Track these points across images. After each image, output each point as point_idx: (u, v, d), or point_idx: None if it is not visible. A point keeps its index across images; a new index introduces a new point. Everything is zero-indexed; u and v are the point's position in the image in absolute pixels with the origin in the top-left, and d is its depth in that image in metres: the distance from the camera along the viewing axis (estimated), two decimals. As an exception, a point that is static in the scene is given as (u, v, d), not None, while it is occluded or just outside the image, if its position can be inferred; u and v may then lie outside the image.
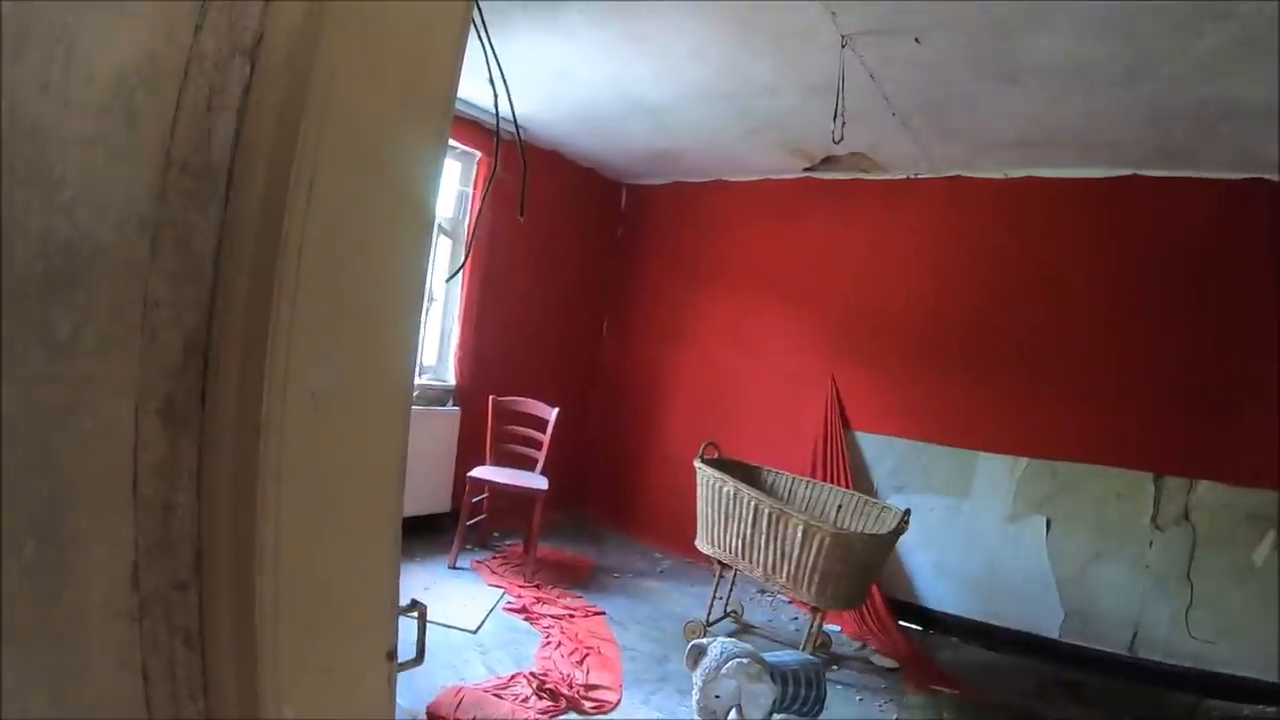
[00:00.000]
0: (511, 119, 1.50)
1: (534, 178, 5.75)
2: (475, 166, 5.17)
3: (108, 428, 0.84)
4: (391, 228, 0.95)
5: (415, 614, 1.21)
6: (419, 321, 1.03)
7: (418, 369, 5.10)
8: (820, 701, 3.05)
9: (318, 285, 0.87)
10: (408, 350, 1.00)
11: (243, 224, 0.86)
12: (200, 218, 0.85)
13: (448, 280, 5.09)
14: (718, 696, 2.82)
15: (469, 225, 5.19)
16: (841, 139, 3.26)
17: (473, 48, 1.27)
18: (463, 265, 5.04)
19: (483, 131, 4.77)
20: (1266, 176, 3.93)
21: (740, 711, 2.79)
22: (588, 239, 6.27)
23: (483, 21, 1.21)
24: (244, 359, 0.87)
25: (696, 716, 2.94)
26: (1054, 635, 4.34)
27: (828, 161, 4.80)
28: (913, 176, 4.90)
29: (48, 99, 0.72)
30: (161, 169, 0.82)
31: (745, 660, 2.83)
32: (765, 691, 2.78)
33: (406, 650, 1.19)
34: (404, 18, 0.96)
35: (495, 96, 1.30)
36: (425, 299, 1.04)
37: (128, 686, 0.95)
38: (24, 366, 0.75)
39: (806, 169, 5.11)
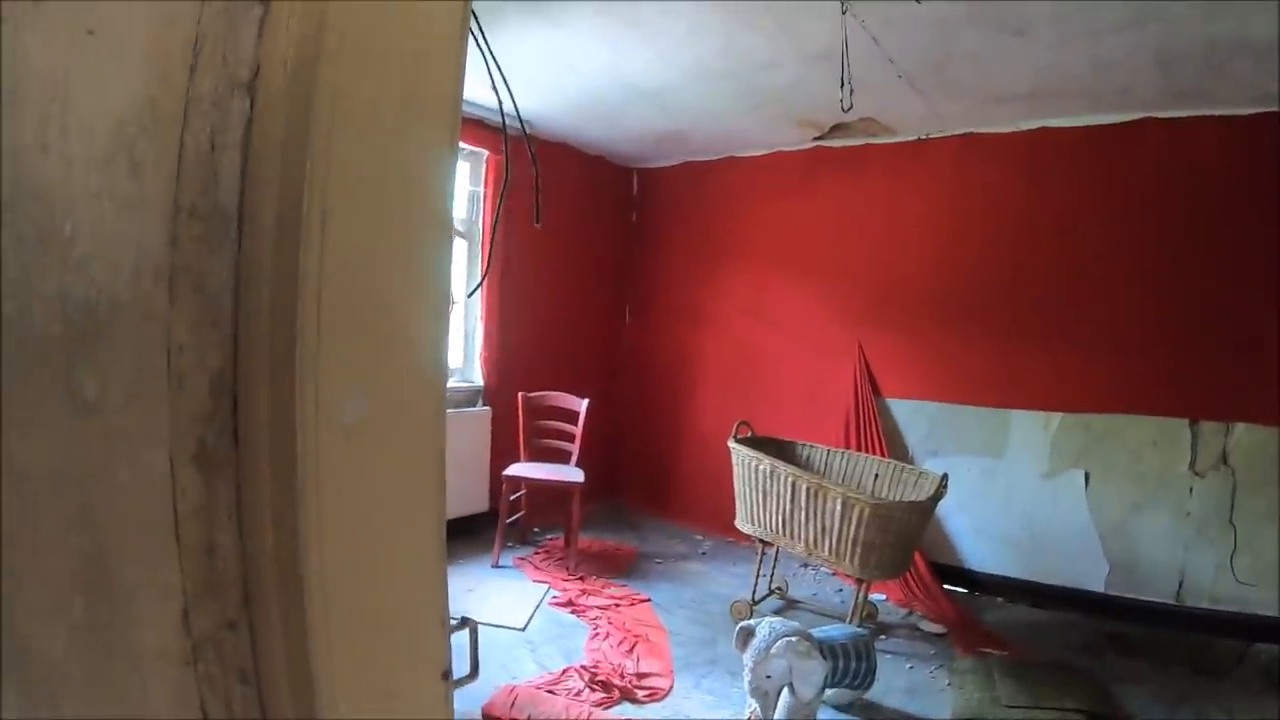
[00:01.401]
0: (517, 118, 1.48)
1: (543, 171, 5.73)
2: (484, 165, 5.16)
3: (144, 478, 0.84)
4: (409, 248, 0.94)
5: (466, 630, 1.21)
6: (446, 338, 1.02)
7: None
8: (871, 673, 3.05)
9: (339, 316, 0.86)
10: (438, 368, 1.00)
11: (258, 263, 0.85)
12: (215, 260, 0.85)
13: (469, 295, 5.09)
14: (769, 676, 2.82)
15: (484, 226, 5.18)
16: (851, 107, 3.20)
17: (471, 49, 1.25)
18: (483, 278, 5.05)
19: (487, 130, 4.74)
20: (1280, 110, 3.82)
21: (792, 689, 2.79)
22: (602, 227, 6.24)
23: (479, 28, 1.19)
24: (273, 397, 0.86)
25: (749, 697, 2.94)
26: (1099, 589, 4.29)
27: (837, 129, 4.73)
28: (924, 137, 4.82)
29: (48, 159, 0.71)
30: (170, 215, 0.81)
31: (794, 639, 2.82)
32: (816, 668, 2.78)
33: (460, 666, 1.19)
34: (402, 32, 0.94)
35: (500, 104, 1.28)
36: (449, 312, 1.03)
37: (187, 727, 0.96)
38: (54, 428, 0.75)
39: (816, 138, 5.05)
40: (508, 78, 4.26)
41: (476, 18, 1.20)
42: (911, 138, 4.86)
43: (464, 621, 1.19)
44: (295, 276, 0.82)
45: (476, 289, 5.07)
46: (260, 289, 0.86)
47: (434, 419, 0.99)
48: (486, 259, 5.00)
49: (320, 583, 0.94)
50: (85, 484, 0.78)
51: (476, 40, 1.27)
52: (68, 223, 0.73)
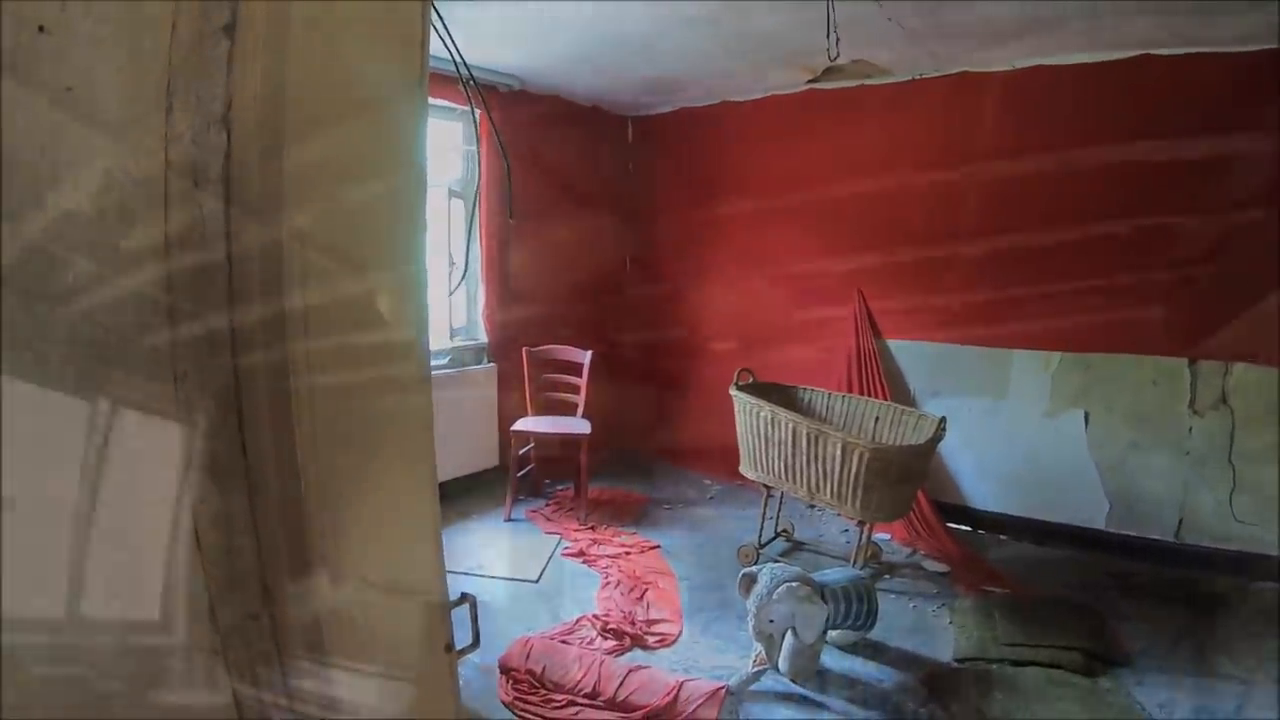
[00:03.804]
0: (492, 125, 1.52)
1: (538, 123, 5.67)
2: (476, 123, 5.12)
3: (165, 493, 0.91)
4: (386, 279, 1.00)
5: (466, 605, 1.30)
6: (428, 350, 1.08)
7: (449, 332, 5.19)
8: (872, 614, 3.16)
9: (326, 339, 0.93)
10: (423, 376, 1.06)
11: (248, 291, 0.91)
12: (210, 290, 0.91)
13: (450, 294, 5.14)
14: (772, 621, 2.94)
15: (481, 184, 5.17)
16: (838, 55, 3.18)
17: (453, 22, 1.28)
18: (463, 278, 5.16)
19: (478, 91, 4.70)
20: (1282, 46, 3.72)
21: (795, 633, 2.91)
22: (599, 177, 6.22)
23: (446, 30, 1.22)
24: (273, 415, 0.94)
25: (754, 641, 3.07)
26: (1100, 526, 4.37)
27: (830, 72, 4.67)
28: (918, 77, 4.74)
29: (45, 215, 0.77)
30: (163, 253, 0.87)
31: (795, 584, 2.93)
32: (817, 612, 2.89)
33: (463, 637, 1.29)
34: (363, 54, 0.99)
35: (474, 113, 1.31)
36: (429, 323, 1.09)
37: (221, 707, 1.06)
38: (80, 459, 0.82)
39: (809, 81, 4.99)
40: (494, 35, 4.18)
41: (444, 21, 1.23)
42: (905, 78, 4.78)
43: (464, 597, 1.27)
44: (283, 306, 0.88)
45: (458, 286, 5.15)
46: (253, 316, 0.92)
47: (422, 423, 1.06)
48: (472, 212, 5.03)
49: (330, 577, 1.03)
50: (114, 504, 0.86)
51: (441, 37, 1.30)
52: (69, 273, 0.79)
